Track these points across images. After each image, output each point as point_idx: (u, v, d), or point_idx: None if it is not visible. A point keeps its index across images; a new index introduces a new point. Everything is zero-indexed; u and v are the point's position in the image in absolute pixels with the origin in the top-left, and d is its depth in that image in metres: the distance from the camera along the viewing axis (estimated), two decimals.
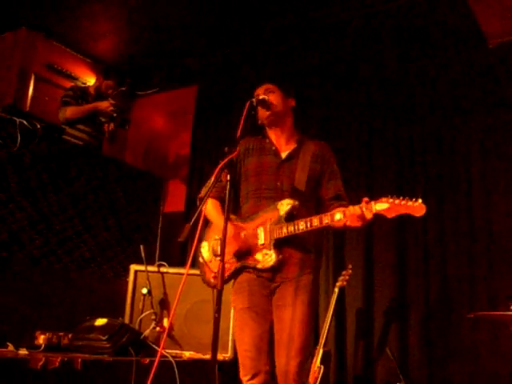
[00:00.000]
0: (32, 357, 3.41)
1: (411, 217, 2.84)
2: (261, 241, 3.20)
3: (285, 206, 3.17)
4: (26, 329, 4.10)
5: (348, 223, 2.97)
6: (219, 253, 3.28)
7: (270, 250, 3.16)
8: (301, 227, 3.08)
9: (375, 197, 2.88)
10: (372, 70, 5.51)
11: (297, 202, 3.16)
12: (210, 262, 3.38)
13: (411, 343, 4.74)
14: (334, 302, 4.60)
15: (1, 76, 6.16)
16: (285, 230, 3.12)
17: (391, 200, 2.85)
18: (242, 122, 2.98)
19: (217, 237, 3.36)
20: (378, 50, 5.49)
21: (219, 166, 2.83)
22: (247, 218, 3.32)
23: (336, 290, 4.65)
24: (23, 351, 3.63)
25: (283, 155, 3.38)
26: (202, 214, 2.75)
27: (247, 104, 3.07)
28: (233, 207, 3.36)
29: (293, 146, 3.40)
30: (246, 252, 3.23)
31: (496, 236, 4.58)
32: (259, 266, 3.18)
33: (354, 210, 2.92)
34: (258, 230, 3.23)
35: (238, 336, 3.26)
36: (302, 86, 5.70)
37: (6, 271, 4.37)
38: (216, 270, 3.27)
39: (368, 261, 5.08)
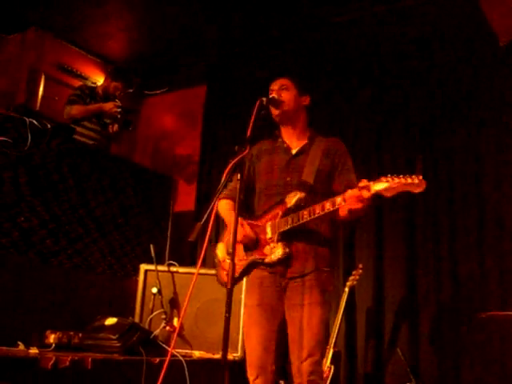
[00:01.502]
0: (42, 356, 3.41)
1: (411, 194, 2.84)
2: (268, 235, 3.21)
3: (292, 198, 3.17)
4: (36, 328, 4.10)
5: (350, 207, 2.94)
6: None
7: (277, 243, 3.16)
8: (304, 216, 3.08)
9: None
10: (382, 67, 5.49)
11: (303, 194, 3.16)
12: (224, 261, 3.38)
13: (422, 343, 4.72)
14: (344, 302, 4.59)
15: (11, 76, 6.18)
16: (290, 221, 3.13)
17: (390, 179, 2.82)
18: (252, 121, 2.97)
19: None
20: (387, 48, 5.47)
21: (229, 165, 2.82)
22: (258, 215, 3.33)
23: (346, 289, 4.63)
24: (34, 350, 3.63)
25: (293, 151, 3.39)
26: (213, 213, 2.74)
27: (257, 103, 3.06)
28: (245, 208, 3.40)
29: (304, 141, 3.41)
30: (254, 247, 3.24)
31: (508, 233, 4.56)
32: (267, 259, 3.19)
33: (353, 191, 2.90)
34: (267, 225, 3.24)
35: (247, 333, 3.27)
36: (311, 83, 5.72)
37: (17, 270, 4.39)
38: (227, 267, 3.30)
39: (378, 260, 5.06)
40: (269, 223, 3.24)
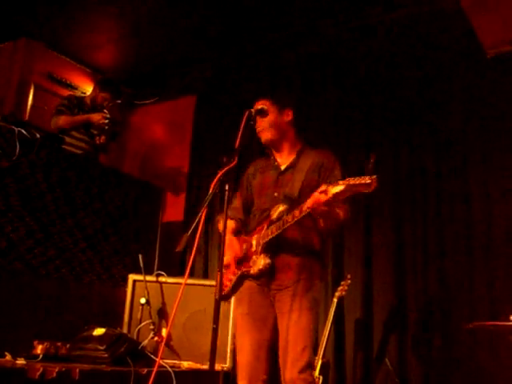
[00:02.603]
0: (30, 367, 3.39)
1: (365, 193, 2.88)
2: (253, 247, 3.27)
3: (275, 211, 3.24)
4: (23, 338, 4.08)
5: (314, 209, 2.99)
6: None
7: (260, 254, 3.21)
8: (284, 224, 3.13)
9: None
10: (372, 77, 5.51)
11: (286, 207, 3.21)
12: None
13: (410, 354, 4.72)
14: (332, 313, 4.58)
15: (0, 85, 6.17)
16: (269, 232, 3.20)
17: (346, 181, 2.85)
18: (240, 131, 2.99)
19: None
20: (378, 59, 5.51)
21: (217, 176, 2.84)
22: (250, 231, 3.41)
23: (335, 300, 4.63)
24: (21, 361, 3.61)
25: (282, 167, 3.45)
26: (201, 223, 2.75)
27: (245, 114, 3.08)
28: (245, 226, 3.54)
29: (292, 157, 3.47)
30: (242, 260, 3.31)
31: (495, 244, 4.58)
32: (251, 271, 3.24)
33: (313, 195, 2.96)
34: (253, 238, 3.31)
35: (238, 342, 3.30)
36: (301, 92, 5.76)
37: (4, 280, 4.36)
38: (225, 282, 3.37)
39: (367, 271, 5.06)
40: (255, 236, 3.30)
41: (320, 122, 5.65)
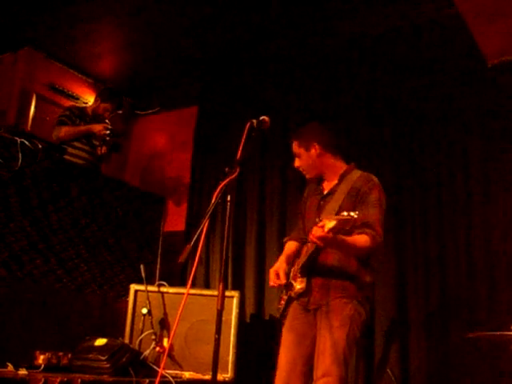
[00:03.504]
0: (31, 377, 3.40)
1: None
2: (295, 271, 3.44)
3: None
4: (25, 349, 4.08)
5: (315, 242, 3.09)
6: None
7: (297, 278, 3.38)
8: (308, 253, 3.31)
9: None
10: (371, 86, 5.53)
11: None
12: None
13: (412, 364, 4.71)
14: None
15: (2, 96, 6.18)
16: (304, 254, 3.37)
17: (337, 217, 2.93)
18: (242, 142, 2.99)
19: None
20: (377, 69, 5.52)
21: (219, 186, 2.85)
22: (299, 253, 3.55)
23: None
24: (23, 371, 3.61)
25: (325, 193, 3.56)
26: (203, 234, 2.75)
27: (247, 125, 3.08)
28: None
29: (335, 182, 3.55)
30: (289, 284, 3.46)
31: (495, 255, 4.57)
32: (292, 293, 3.42)
33: (313, 229, 3.02)
34: (296, 262, 3.48)
35: (279, 355, 3.42)
36: (302, 103, 5.80)
37: (6, 291, 4.36)
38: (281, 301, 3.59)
39: None
40: (297, 261, 3.48)
41: None
